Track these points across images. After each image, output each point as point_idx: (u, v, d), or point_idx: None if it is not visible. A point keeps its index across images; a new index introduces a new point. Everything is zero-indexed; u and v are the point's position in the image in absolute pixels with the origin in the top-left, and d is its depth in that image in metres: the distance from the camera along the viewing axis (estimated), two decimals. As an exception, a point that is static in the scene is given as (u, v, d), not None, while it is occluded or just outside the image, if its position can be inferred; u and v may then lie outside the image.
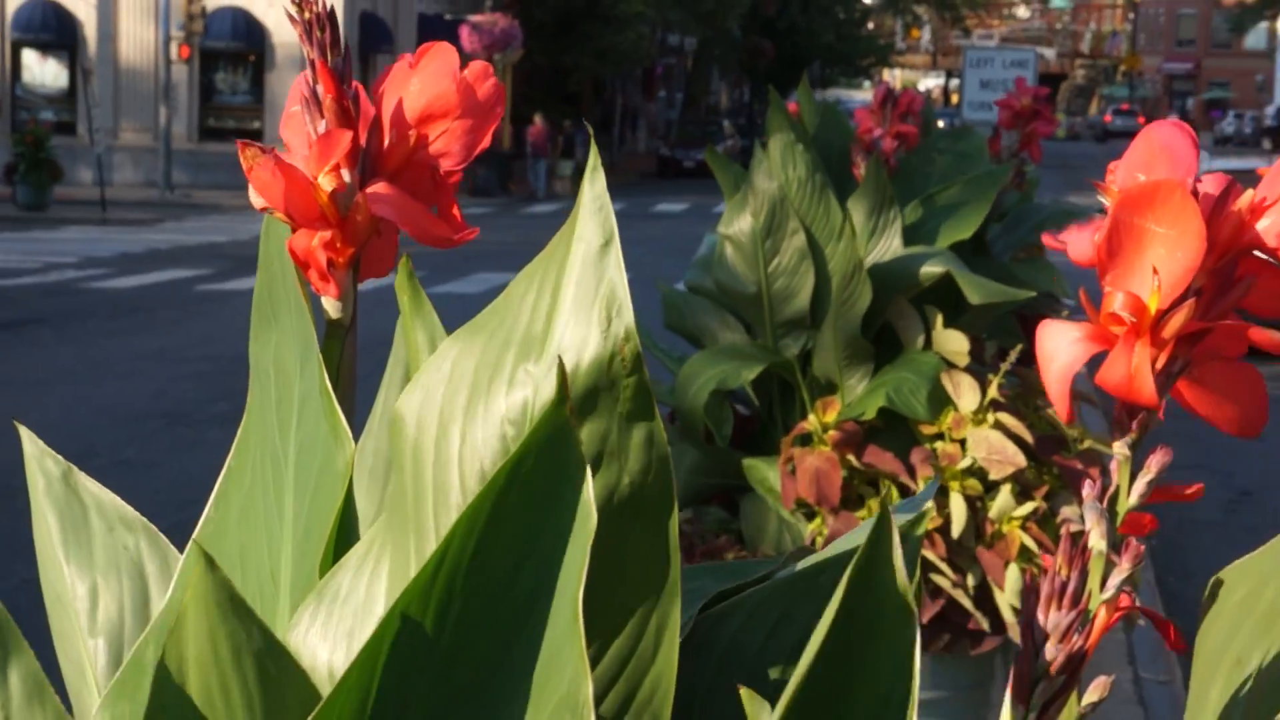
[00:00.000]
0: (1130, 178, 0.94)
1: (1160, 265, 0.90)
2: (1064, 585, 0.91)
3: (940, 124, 5.17)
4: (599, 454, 0.98)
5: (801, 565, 1.11)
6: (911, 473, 3.48)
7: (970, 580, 3.46)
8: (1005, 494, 3.43)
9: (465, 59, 1.08)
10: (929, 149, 4.33)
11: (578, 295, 0.99)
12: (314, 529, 1.10)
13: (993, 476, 3.44)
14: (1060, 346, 0.94)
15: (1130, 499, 0.97)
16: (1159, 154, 0.94)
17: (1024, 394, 3.63)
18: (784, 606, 1.09)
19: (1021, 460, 3.41)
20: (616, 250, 0.98)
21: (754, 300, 3.76)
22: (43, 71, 32.35)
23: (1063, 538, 0.92)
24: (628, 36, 38.32)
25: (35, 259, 19.37)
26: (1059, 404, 0.94)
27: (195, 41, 30.40)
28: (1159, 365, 0.92)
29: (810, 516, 3.53)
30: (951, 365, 3.58)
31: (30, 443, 1.25)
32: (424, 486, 1.00)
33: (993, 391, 3.49)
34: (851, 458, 3.47)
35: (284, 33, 30.16)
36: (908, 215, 3.89)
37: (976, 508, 3.47)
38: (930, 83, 79.96)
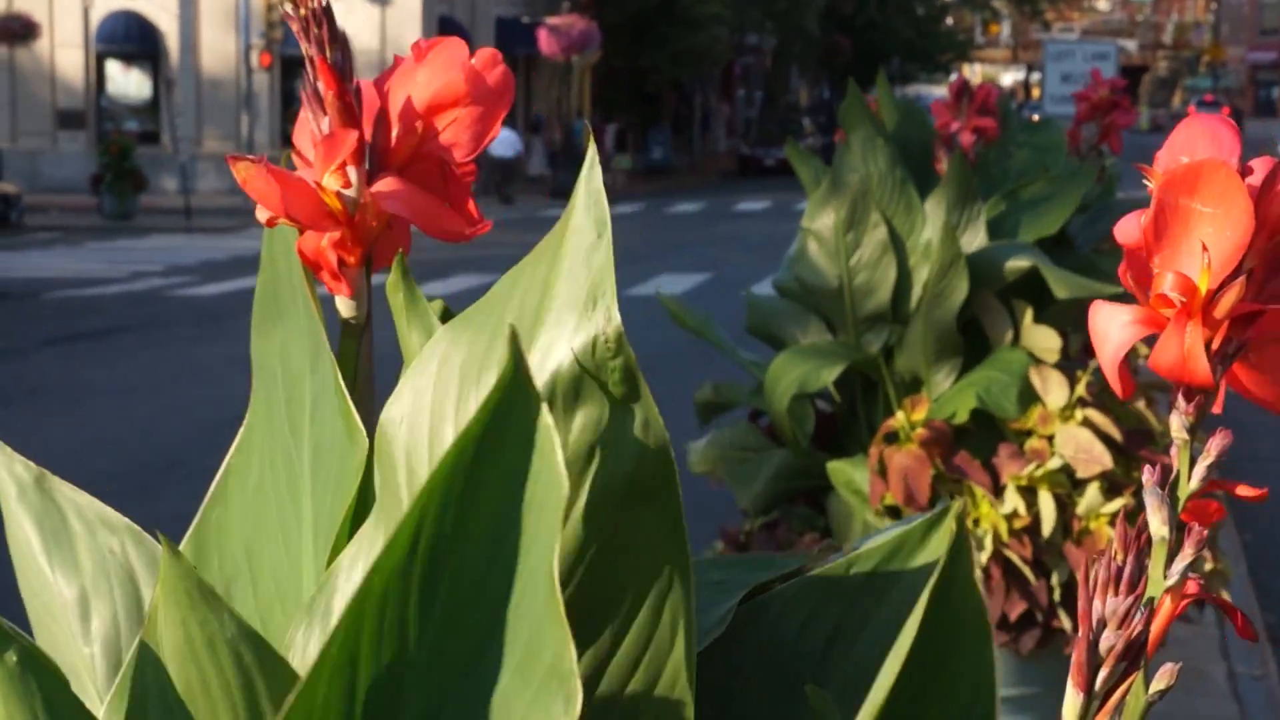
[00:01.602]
0: (1173, 161, 0.92)
1: (1208, 244, 0.89)
2: (1120, 570, 0.90)
3: (1035, 119, 5.12)
4: (593, 443, 0.97)
5: (832, 562, 1.11)
6: (997, 480, 3.45)
7: (1057, 578, 3.43)
8: (1093, 491, 3.40)
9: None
10: (1007, 143, 4.29)
11: (568, 288, 0.98)
12: (333, 530, 1.10)
13: (1080, 475, 3.41)
14: (1112, 329, 0.93)
15: (1190, 484, 0.95)
16: (1200, 138, 0.92)
17: (1110, 388, 3.59)
18: (815, 601, 1.08)
19: (1109, 461, 3.37)
20: (608, 242, 0.98)
21: (836, 295, 3.74)
22: (126, 82, 32.71)
23: (1119, 521, 0.91)
24: (704, 38, 38.31)
25: (121, 268, 19.58)
26: (1115, 383, 0.93)
27: (276, 49, 30.65)
28: (1214, 347, 0.91)
29: (895, 516, 3.51)
30: (1039, 361, 3.55)
31: None
32: (419, 486, 0.99)
33: (1080, 389, 3.46)
34: (939, 461, 3.44)
35: (363, 39, 30.37)
36: (989, 210, 3.86)
37: (1065, 504, 3.44)
38: (1011, 77, 79.50)
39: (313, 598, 1.02)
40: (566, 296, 0.98)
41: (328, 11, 1.07)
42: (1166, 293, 0.90)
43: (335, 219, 1.07)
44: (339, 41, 1.08)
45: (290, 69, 31.89)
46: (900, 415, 3.52)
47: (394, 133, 1.08)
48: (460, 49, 1.08)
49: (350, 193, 1.07)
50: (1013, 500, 3.40)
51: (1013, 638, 3.45)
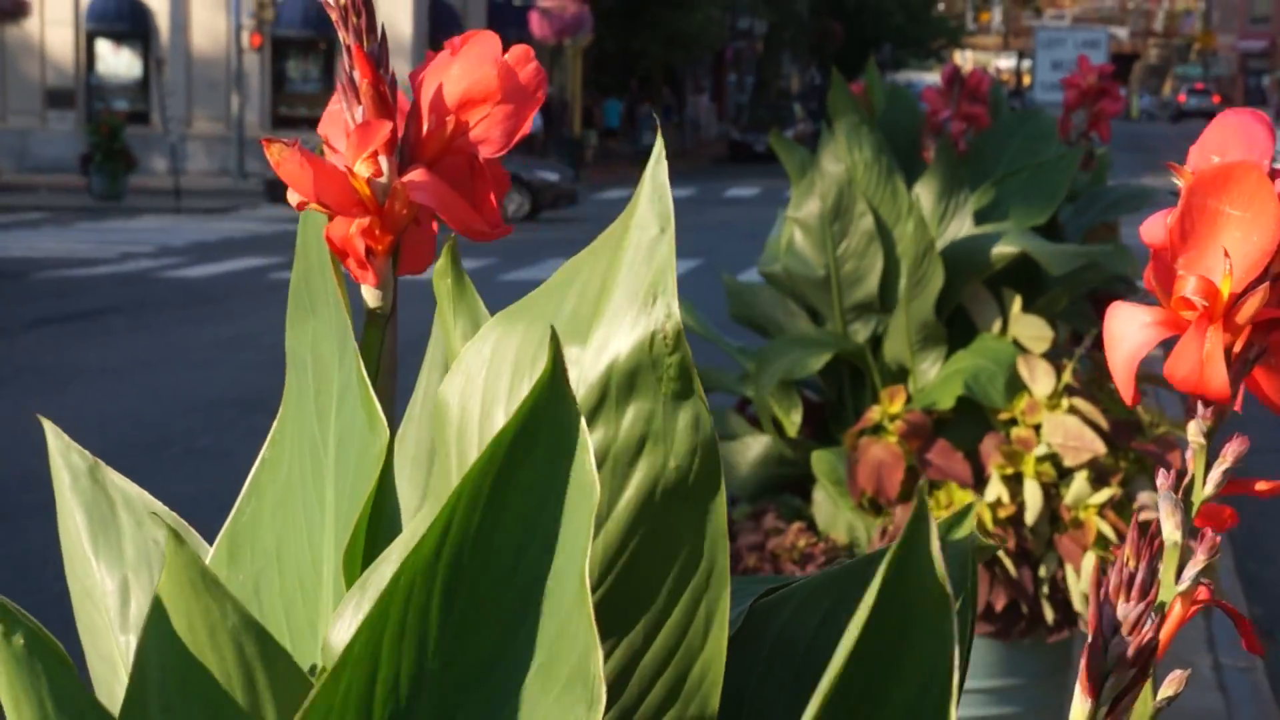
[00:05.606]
0: (1204, 160, 0.90)
1: (1234, 248, 0.87)
2: (1132, 576, 0.89)
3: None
4: (644, 436, 0.97)
5: (852, 560, 1.10)
6: (980, 473, 3.44)
7: (1045, 569, 3.42)
8: (1081, 480, 3.39)
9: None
10: (998, 131, 4.28)
11: (628, 282, 0.97)
12: (352, 520, 1.09)
13: (1069, 463, 3.40)
14: (1130, 330, 0.91)
15: (1206, 489, 0.94)
16: (1233, 137, 0.90)
17: (1098, 378, 3.59)
18: (834, 597, 1.07)
19: (1100, 447, 3.36)
20: (670, 237, 0.97)
21: (823, 285, 3.73)
22: (117, 61, 32.61)
23: (1131, 527, 0.89)
24: (697, 20, 38.26)
25: (111, 248, 19.54)
26: (1124, 388, 0.91)
27: (266, 30, 30.56)
28: (1234, 352, 0.89)
29: (877, 509, 3.50)
30: (1025, 350, 3.54)
31: (55, 437, 1.23)
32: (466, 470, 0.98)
33: (1067, 376, 3.45)
34: (915, 454, 3.43)
35: (354, 21, 30.24)
36: (978, 199, 3.85)
37: (1051, 494, 3.43)
38: (1002, 64, 79.44)
39: (365, 575, 1.02)
40: (626, 290, 0.98)
41: (367, 2, 1.07)
42: (1188, 295, 0.89)
43: (365, 206, 1.08)
44: (376, 31, 1.08)
45: (280, 50, 31.82)
46: (877, 407, 3.51)
47: (425, 125, 1.08)
48: (494, 44, 1.08)
49: (381, 181, 1.07)
50: (996, 489, 3.40)
51: (998, 628, 3.45)
